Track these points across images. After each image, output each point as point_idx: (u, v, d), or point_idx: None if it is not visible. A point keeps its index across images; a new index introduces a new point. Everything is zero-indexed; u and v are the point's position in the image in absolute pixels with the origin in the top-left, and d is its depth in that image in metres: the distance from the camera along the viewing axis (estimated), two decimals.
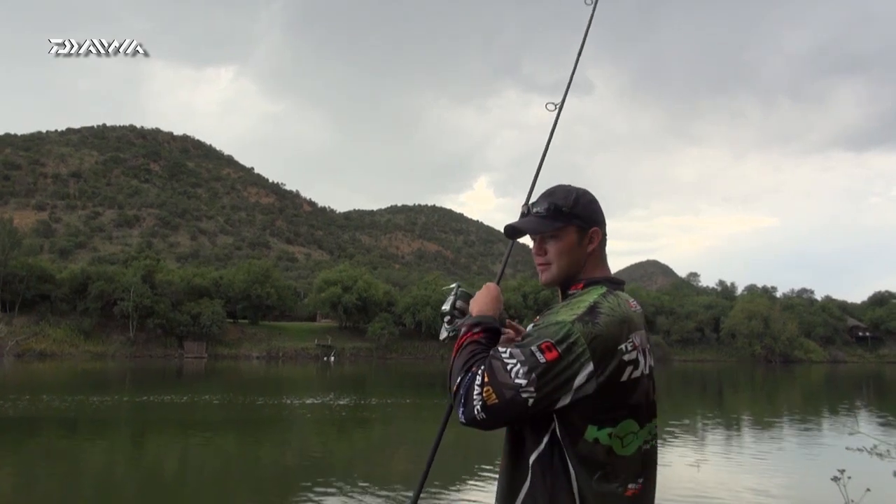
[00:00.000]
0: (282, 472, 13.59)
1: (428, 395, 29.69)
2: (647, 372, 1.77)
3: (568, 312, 1.68)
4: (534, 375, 1.59)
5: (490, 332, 1.79)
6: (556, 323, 1.66)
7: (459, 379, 1.68)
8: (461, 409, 1.65)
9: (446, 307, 2.02)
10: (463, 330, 1.80)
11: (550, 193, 1.89)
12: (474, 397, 1.63)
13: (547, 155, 2.41)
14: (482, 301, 1.89)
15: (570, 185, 1.92)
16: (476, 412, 1.62)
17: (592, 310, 1.68)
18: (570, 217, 1.83)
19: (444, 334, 2.00)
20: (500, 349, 1.67)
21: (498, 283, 2.01)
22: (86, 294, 65.96)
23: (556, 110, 2.44)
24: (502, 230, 1.95)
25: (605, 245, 1.90)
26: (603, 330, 1.64)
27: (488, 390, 1.61)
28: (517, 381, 1.59)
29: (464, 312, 1.96)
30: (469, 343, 1.76)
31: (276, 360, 67.20)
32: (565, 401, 1.62)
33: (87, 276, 67.35)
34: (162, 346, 67.45)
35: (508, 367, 1.62)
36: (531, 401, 1.59)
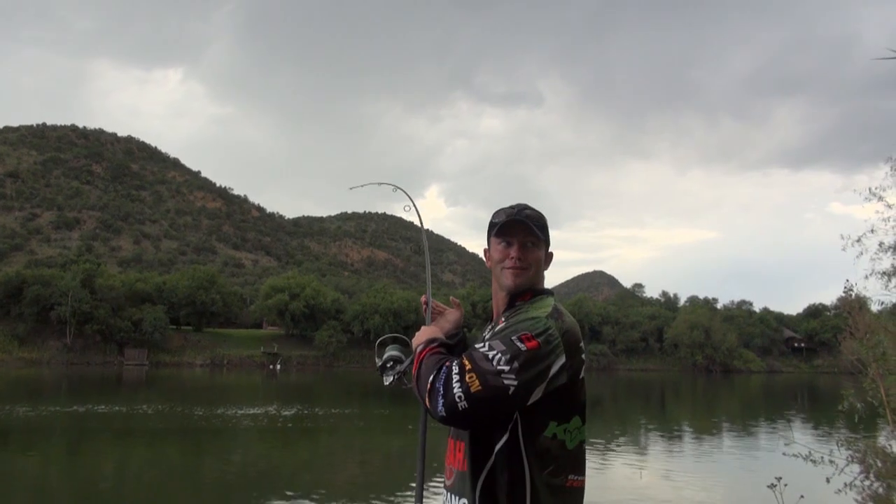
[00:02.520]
0: (223, 484, 13.30)
1: (375, 405, 29.49)
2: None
3: (538, 311, 1.80)
4: (516, 364, 1.66)
5: (446, 346, 1.89)
6: (532, 318, 1.77)
7: (432, 377, 1.72)
8: (440, 402, 1.67)
9: (393, 353, 2.08)
10: (419, 348, 1.88)
11: (539, 216, 2.01)
12: (454, 386, 1.66)
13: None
14: (425, 331, 1.99)
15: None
16: (458, 400, 1.64)
17: (557, 310, 1.81)
18: (546, 234, 2.01)
19: (389, 379, 2.06)
20: (476, 345, 1.76)
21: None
22: (21, 298, 63.54)
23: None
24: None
25: None
26: (570, 327, 1.79)
27: (472, 377, 1.65)
28: (500, 367, 1.66)
29: (401, 360, 2.05)
30: (430, 354, 1.83)
31: (220, 368, 65.82)
32: (538, 394, 1.70)
33: (22, 280, 64.93)
34: (101, 352, 65.31)
35: (490, 356, 1.68)
36: (512, 389, 1.65)
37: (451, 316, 2.21)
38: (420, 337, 1.96)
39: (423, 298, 2.28)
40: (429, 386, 1.71)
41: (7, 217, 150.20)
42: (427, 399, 1.71)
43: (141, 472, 14.57)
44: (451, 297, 2.28)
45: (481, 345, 1.73)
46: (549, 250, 2.03)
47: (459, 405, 1.64)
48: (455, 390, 1.65)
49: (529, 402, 1.70)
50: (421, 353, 1.85)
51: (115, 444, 17.96)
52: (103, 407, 25.31)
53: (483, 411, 1.65)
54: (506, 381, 1.64)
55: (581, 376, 1.82)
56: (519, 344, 1.68)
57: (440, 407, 1.66)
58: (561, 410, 1.77)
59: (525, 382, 1.65)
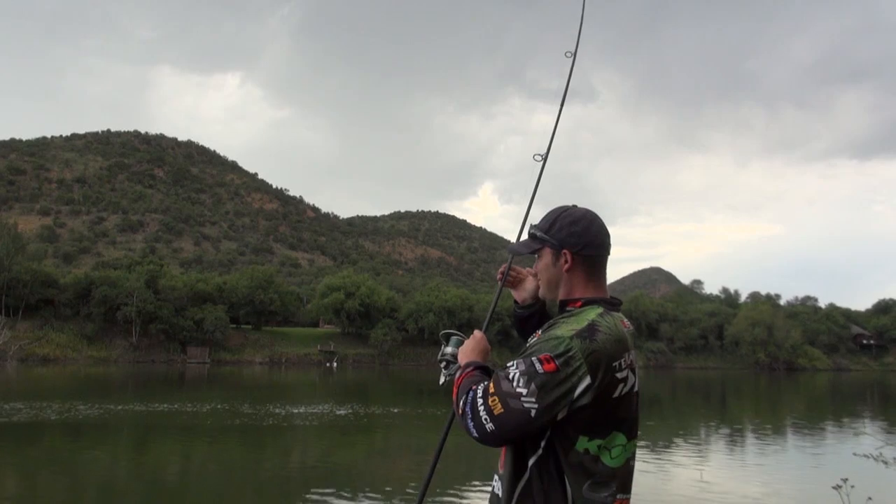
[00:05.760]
0: (283, 480, 13.58)
1: (430, 404, 29.64)
2: (635, 389, 1.84)
3: (566, 328, 1.77)
4: (533, 386, 1.68)
5: (481, 370, 1.93)
6: (556, 338, 1.74)
7: (462, 401, 1.80)
8: (470, 424, 1.76)
9: (451, 350, 2.12)
10: (458, 373, 1.95)
11: (545, 217, 2.02)
12: (480, 409, 1.74)
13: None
14: (469, 349, 2.04)
15: (568, 208, 2.01)
16: (485, 422, 1.73)
17: (591, 327, 1.76)
18: (543, 240, 1.98)
19: (442, 379, 2.13)
20: (508, 363, 1.78)
21: (485, 331, 2.12)
22: (89, 299, 66.06)
23: (542, 161, 2.49)
24: (508, 239, 2.05)
25: (596, 265, 1.95)
26: (600, 346, 1.73)
27: (494, 399, 1.72)
28: (518, 389, 1.70)
29: (456, 357, 2.08)
30: (466, 379, 1.89)
31: (278, 366, 67.14)
32: (563, 414, 1.71)
33: (90, 281, 67.46)
34: (165, 351, 67.51)
35: (511, 377, 1.73)
36: (533, 412, 1.68)
37: (529, 285, 2.23)
38: (461, 359, 2.02)
39: (500, 270, 2.28)
40: (460, 410, 1.80)
41: (76, 221, 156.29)
42: (461, 421, 1.81)
43: (204, 466, 15.00)
44: (526, 269, 2.27)
45: (510, 363, 1.77)
46: (564, 249, 1.93)
47: (487, 426, 1.72)
48: (481, 413, 1.73)
49: (557, 420, 1.71)
50: (459, 378, 1.92)
51: (179, 441, 18.51)
52: (170, 404, 26.11)
53: (510, 431, 1.71)
54: (525, 405, 1.68)
55: (616, 395, 1.75)
56: (537, 366, 1.70)
57: (472, 429, 1.75)
58: (591, 426, 1.74)
59: (546, 406, 1.68)
